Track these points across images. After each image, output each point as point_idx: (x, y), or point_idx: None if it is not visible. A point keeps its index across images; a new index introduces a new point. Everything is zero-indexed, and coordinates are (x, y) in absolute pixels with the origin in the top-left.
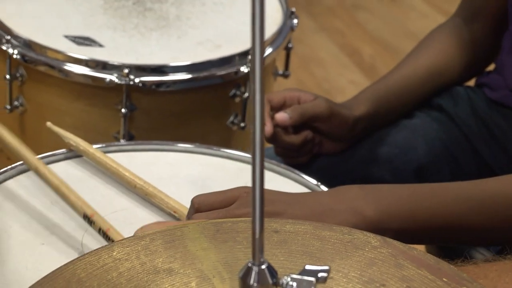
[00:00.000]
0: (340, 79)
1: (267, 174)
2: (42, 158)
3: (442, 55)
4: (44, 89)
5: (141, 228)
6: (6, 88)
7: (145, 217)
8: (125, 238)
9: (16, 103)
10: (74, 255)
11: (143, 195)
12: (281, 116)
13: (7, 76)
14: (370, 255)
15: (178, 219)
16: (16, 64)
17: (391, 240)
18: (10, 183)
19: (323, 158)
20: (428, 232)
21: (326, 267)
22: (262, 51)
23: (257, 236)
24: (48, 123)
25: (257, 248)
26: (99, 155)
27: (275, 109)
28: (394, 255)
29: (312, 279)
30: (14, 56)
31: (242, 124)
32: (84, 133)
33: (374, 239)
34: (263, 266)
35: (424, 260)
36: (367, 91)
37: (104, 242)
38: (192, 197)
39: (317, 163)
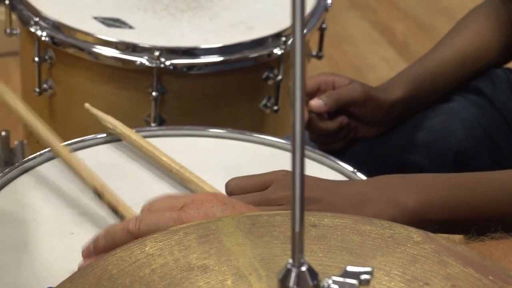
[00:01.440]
0: (372, 56)
1: None
2: (77, 142)
3: (480, 37)
4: (73, 71)
5: (150, 202)
6: (35, 70)
7: None
8: (158, 233)
9: (45, 86)
10: None
11: (179, 180)
12: (316, 102)
13: (36, 59)
14: (412, 251)
15: None
16: (45, 47)
17: (434, 235)
18: (39, 170)
19: (358, 144)
20: (469, 222)
21: (368, 269)
22: (303, 39)
23: (296, 236)
24: (86, 105)
25: (297, 248)
26: (135, 137)
27: (310, 95)
28: (438, 251)
29: (355, 281)
30: (43, 38)
31: (275, 107)
32: (114, 116)
33: (416, 234)
34: (303, 268)
35: (469, 256)
36: (403, 74)
37: None
38: (224, 184)
39: (352, 149)
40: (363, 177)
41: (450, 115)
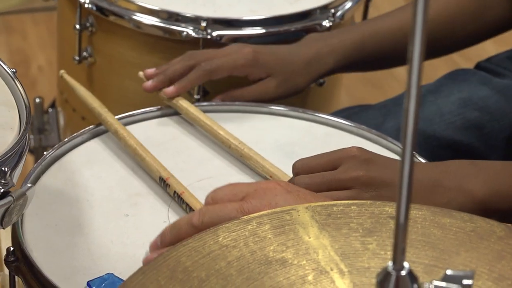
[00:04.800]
0: None
1: (356, 139)
2: (128, 116)
3: None
4: (114, 40)
5: (213, 192)
6: (75, 38)
7: (242, 181)
8: (230, 222)
9: (85, 53)
10: (160, 229)
11: (238, 156)
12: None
13: (77, 26)
14: (497, 247)
15: None
16: (87, 14)
17: None
18: (88, 146)
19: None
20: None
21: (470, 272)
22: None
23: (400, 235)
24: (140, 73)
25: (399, 249)
26: (193, 110)
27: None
28: None
29: (457, 287)
30: (86, 5)
31: (321, 80)
32: None
33: (498, 228)
34: (403, 272)
35: None
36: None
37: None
38: (279, 165)
39: (397, 126)
40: (423, 160)
41: (505, 94)
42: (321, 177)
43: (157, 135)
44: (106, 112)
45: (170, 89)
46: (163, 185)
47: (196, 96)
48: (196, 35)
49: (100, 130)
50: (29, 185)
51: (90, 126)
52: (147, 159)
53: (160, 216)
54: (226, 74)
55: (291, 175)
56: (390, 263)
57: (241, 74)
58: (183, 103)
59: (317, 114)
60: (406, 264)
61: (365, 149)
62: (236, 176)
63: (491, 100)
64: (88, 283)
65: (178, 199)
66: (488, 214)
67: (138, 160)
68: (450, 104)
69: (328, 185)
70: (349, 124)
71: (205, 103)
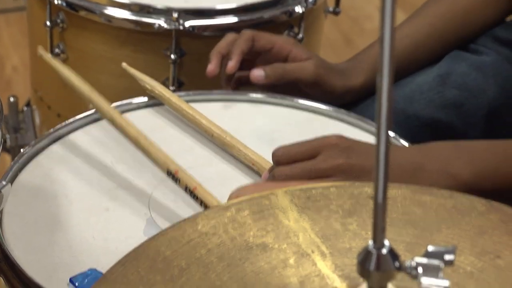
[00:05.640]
0: (368, 6)
1: (337, 124)
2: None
3: None
4: (86, 35)
5: (238, 189)
6: (46, 35)
7: (224, 170)
8: (208, 209)
9: (57, 50)
10: (142, 222)
11: (221, 145)
12: (257, 74)
13: (48, 23)
14: (478, 222)
15: (257, 173)
16: (57, 10)
17: (498, 204)
18: (65, 142)
19: None
20: None
21: (451, 248)
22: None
23: (379, 214)
24: (124, 64)
25: (379, 227)
26: (175, 100)
27: (258, 51)
28: (505, 221)
29: (439, 262)
30: (56, 2)
31: None
32: (129, 80)
33: (479, 203)
34: (384, 251)
35: None
36: (372, 50)
37: (173, 206)
38: (260, 152)
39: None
40: (404, 143)
41: (483, 71)
42: (301, 168)
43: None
44: (99, 99)
45: (230, 64)
46: (172, 179)
47: (171, 88)
48: (168, 27)
49: (79, 124)
50: (3, 182)
51: (70, 120)
52: (152, 151)
53: (141, 209)
54: (268, 45)
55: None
56: (370, 242)
57: (282, 51)
58: (166, 93)
59: (296, 100)
60: (386, 242)
61: (345, 137)
62: (218, 166)
63: (469, 77)
64: (71, 280)
65: (190, 194)
66: (474, 195)
67: (144, 152)
68: (430, 81)
69: (309, 175)
70: (328, 108)
71: (182, 93)
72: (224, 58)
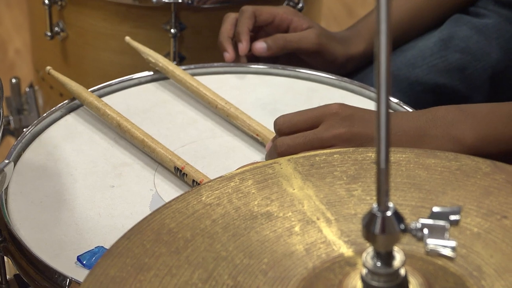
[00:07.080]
0: None
1: (339, 92)
2: (105, 86)
3: None
4: (85, 12)
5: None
6: (45, 14)
7: (229, 142)
8: (211, 180)
9: (56, 29)
10: (148, 198)
11: (225, 116)
12: (259, 46)
13: (46, 1)
14: (483, 183)
15: (261, 143)
16: None
17: (502, 164)
18: (67, 120)
19: None
20: None
21: (457, 208)
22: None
23: (382, 176)
24: (127, 38)
25: (383, 190)
26: (179, 72)
27: (260, 25)
28: (510, 181)
29: (445, 223)
30: None
31: None
32: (131, 56)
33: (483, 164)
34: (389, 213)
35: None
36: (371, 19)
37: (178, 181)
38: (264, 123)
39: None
40: (408, 109)
41: (485, 34)
42: (303, 138)
43: (137, 104)
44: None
45: (241, 46)
46: (180, 175)
47: (173, 62)
48: (167, 0)
49: (75, 104)
50: (6, 161)
51: (65, 101)
52: (157, 149)
53: (147, 185)
54: (269, 18)
55: None
56: (374, 205)
57: (283, 22)
58: (169, 66)
59: (298, 70)
60: (391, 205)
61: (346, 105)
62: (222, 137)
63: (471, 40)
64: (78, 258)
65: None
66: None
67: (147, 152)
68: (432, 46)
69: (311, 145)
70: (331, 77)
71: (184, 67)
72: (232, 39)
